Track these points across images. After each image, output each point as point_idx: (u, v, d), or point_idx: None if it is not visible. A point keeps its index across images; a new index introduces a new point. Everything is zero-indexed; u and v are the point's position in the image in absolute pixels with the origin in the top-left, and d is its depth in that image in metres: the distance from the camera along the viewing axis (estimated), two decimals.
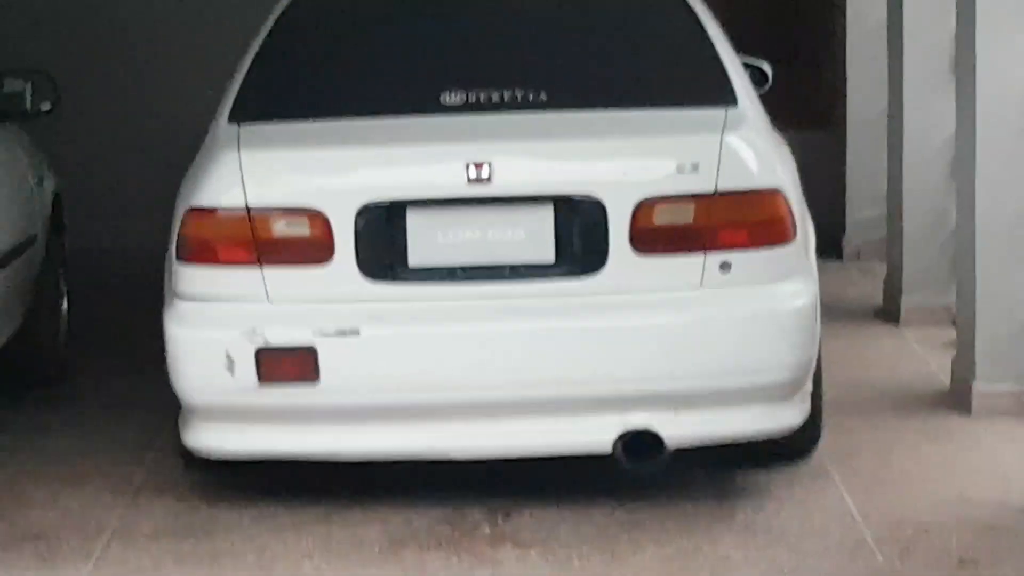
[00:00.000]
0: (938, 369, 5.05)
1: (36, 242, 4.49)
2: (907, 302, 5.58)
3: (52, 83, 4.45)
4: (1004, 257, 4.36)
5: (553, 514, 3.54)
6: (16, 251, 4.20)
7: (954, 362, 4.66)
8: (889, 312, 5.72)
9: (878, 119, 6.33)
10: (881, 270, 6.20)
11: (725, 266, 3.26)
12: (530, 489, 3.69)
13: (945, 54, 5.34)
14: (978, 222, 4.36)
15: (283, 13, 3.91)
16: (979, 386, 4.38)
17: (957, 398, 4.53)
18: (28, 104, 4.37)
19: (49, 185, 4.88)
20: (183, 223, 3.37)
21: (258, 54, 3.80)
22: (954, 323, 5.06)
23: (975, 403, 4.37)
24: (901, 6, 5.58)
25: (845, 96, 6.95)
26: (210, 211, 3.34)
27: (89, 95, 6.65)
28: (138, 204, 5.85)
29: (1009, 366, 4.39)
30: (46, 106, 4.47)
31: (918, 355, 5.33)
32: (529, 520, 3.49)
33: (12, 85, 4.33)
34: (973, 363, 4.41)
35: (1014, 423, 4.39)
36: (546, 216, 3.28)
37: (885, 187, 6.13)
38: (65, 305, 5.05)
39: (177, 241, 3.40)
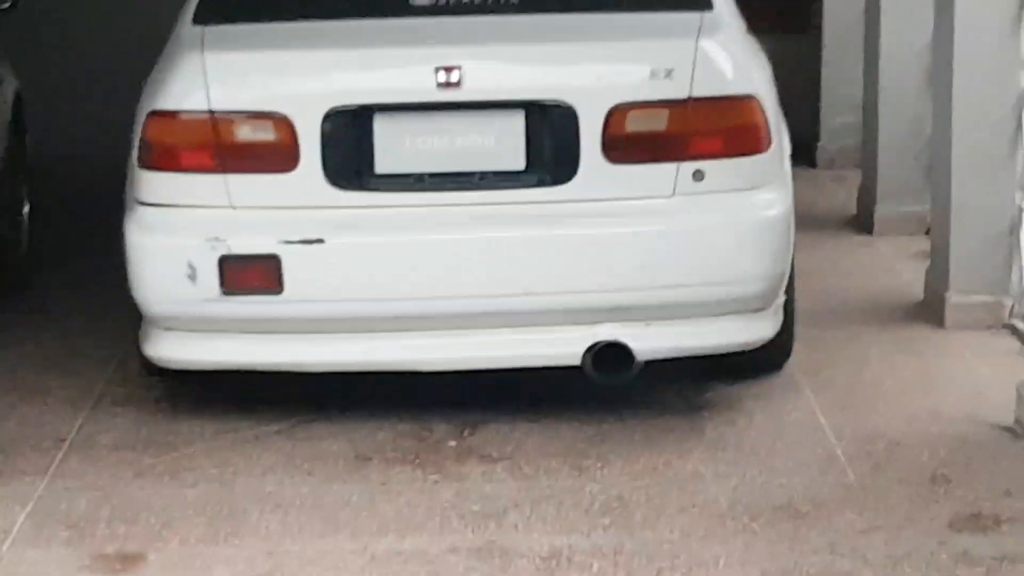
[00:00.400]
0: (912, 280, 5.09)
1: None
2: (881, 211, 5.63)
3: None
4: (980, 166, 4.37)
5: (520, 429, 3.58)
6: None
7: (928, 273, 4.69)
8: (862, 222, 5.76)
9: (855, 23, 6.34)
10: (856, 178, 6.25)
11: (698, 174, 3.28)
12: (496, 404, 3.74)
13: None
14: (954, 131, 4.38)
15: None
16: (952, 297, 4.42)
17: (930, 309, 4.57)
18: None
19: (9, 86, 4.85)
20: (144, 127, 3.38)
21: None
22: (928, 233, 5.12)
23: (948, 315, 4.42)
24: None
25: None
26: (172, 114, 3.35)
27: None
28: (102, 106, 5.74)
29: (983, 277, 4.43)
30: (5, 3, 4.48)
31: (891, 266, 5.39)
32: (495, 435, 3.54)
33: None
34: (947, 274, 4.45)
35: (987, 336, 4.43)
36: (517, 122, 3.28)
37: (861, 94, 6.17)
38: (27, 210, 5.06)
39: (138, 146, 3.39)
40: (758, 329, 3.54)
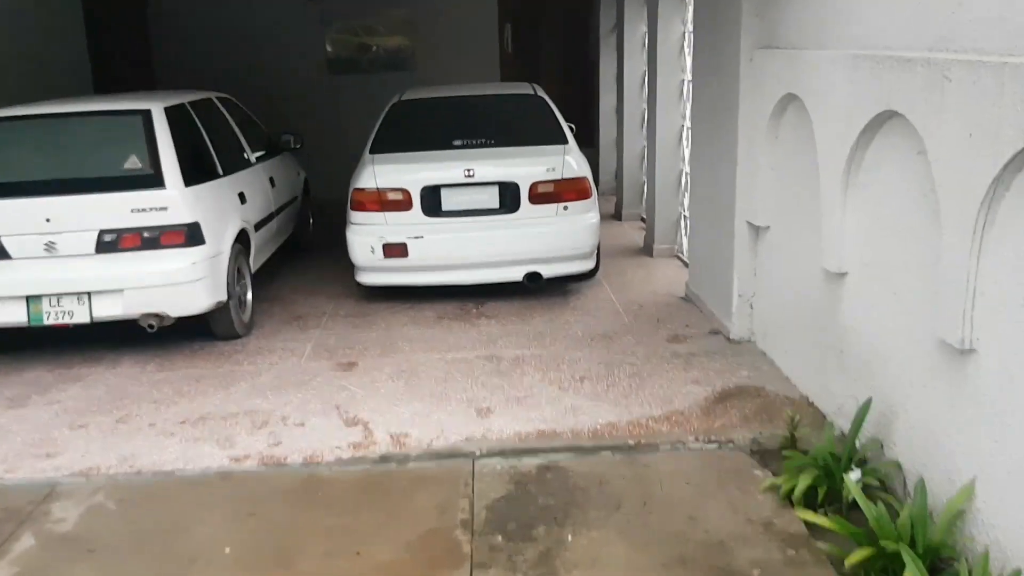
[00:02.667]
0: (639, 240, 9.65)
1: (296, 199, 9.23)
2: (626, 215, 10.70)
3: (300, 136, 8.57)
4: (664, 192, 9.03)
5: (500, 303, 7.49)
6: (289, 202, 8.78)
7: (645, 236, 9.39)
8: (614, 215, 10.78)
9: (611, 145, 11.90)
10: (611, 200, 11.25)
11: (566, 207, 7.33)
12: (490, 295, 7.58)
13: (638, 118, 10.59)
14: (656, 181, 9.05)
15: (388, 110, 7.79)
16: (655, 245, 9.07)
17: (646, 251, 9.21)
18: (291, 145, 8.57)
19: (302, 176, 9.66)
20: (352, 194, 7.22)
21: (379, 127, 7.63)
22: (643, 220, 10.01)
23: (655, 253, 9.07)
24: (622, 101, 10.74)
25: (599, 131, 12.28)
26: (362, 189, 7.23)
27: (314, 141, 10.94)
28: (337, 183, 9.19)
29: (667, 237, 9.09)
30: (298, 145, 8.64)
31: (630, 235, 10.03)
32: (491, 307, 7.45)
33: (286, 137, 8.54)
34: (653, 236, 9.09)
35: (670, 261, 8.88)
36: (495, 189, 7.26)
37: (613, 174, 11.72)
38: (311, 220, 9.92)
39: (349, 202, 7.25)
40: (588, 264, 7.55)
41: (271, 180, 8.16)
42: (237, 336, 6.79)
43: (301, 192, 9.48)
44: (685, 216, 8.85)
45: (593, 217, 7.44)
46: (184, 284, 6.15)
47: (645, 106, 10.43)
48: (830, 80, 4.78)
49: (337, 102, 12.82)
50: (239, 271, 6.87)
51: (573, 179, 7.33)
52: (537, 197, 7.26)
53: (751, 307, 6.40)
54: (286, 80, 12.76)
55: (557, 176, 7.25)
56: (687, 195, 8.72)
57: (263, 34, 12.67)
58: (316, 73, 13.09)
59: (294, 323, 7.28)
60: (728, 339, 6.42)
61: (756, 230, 6.22)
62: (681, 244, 8.95)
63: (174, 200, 6.13)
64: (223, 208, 6.72)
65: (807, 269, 5.30)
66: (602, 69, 12.31)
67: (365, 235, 7.24)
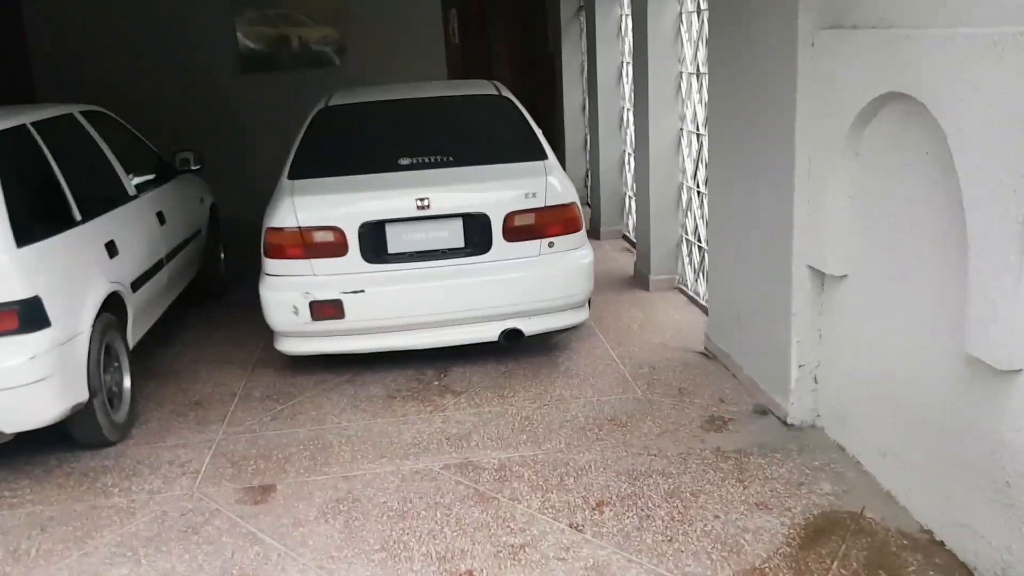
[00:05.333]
0: (626, 265, 7.91)
1: (200, 233, 7.33)
2: (605, 233, 9.11)
3: (200, 154, 6.83)
4: (660, 211, 7.22)
5: (469, 371, 5.69)
6: (189, 239, 6.95)
7: (636, 263, 7.63)
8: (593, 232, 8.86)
9: (579, 150, 10.50)
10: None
11: (551, 244, 5.53)
12: (455, 356, 5.82)
13: (615, 118, 9.01)
14: (651, 195, 7.21)
15: (312, 120, 5.95)
16: (652, 277, 7.31)
17: (641, 282, 7.42)
18: (190, 165, 7.06)
19: (207, 202, 7.70)
20: (265, 235, 5.36)
21: (299, 143, 5.79)
22: (625, 239, 8.57)
23: (651, 285, 7.30)
24: (595, 99, 9.08)
25: (564, 134, 10.77)
26: (279, 229, 5.36)
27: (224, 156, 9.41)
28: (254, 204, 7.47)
29: (666, 266, 7.30)
30: (198, 166, 7.11)
31: (617, 259, 8.21)
32: (457, 375, 5.64)
33: (183, 156, 7.04)
34: (648, 264, 7.29)
35: (670, 296, 7.14)
36: (458, 224, 5.43)
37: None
38: (223, 256, 8.00)
39: (263, 246, 5.38)
40: (581, 315, 5.78)
41: (159, 216, 6.24)
42: (108, 443, 4.93)
43: (206, 223, 7.61)
44: (687, 240, 7.14)
45: (586, 255, 5.72)
46: (21, 388, 4.28)
47: (625, 104, 8.69)
48: (981, 73, 3.04)
49: (252, 107, 10.84)
50: (108, 352, 4.97)
51: (560, 207, 5.58)
52: (514, 232, 5.52)
53: (815, 381, 4.70)
54: (191, 82, 10.79)
55: (539, 203, 5.51)
56: (690, 215, 7.07)
57: (162, 26, 10.61)
58: (227, 72, 11.09)
59: (191, 413, 5.42)
60: (785, 423, 4.75)
61: (823, 279, 4.50)
62: (684, 275, 7.25)
63: (1, 269, 4.20)
64: (80, 269, 4.84)
65: (928, 346, 3.64)
66: (565, 61, 10.61)
67: (284, 291, 5.42)
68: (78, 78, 9.91)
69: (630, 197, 8.92)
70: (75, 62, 10.36)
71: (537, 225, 5.52)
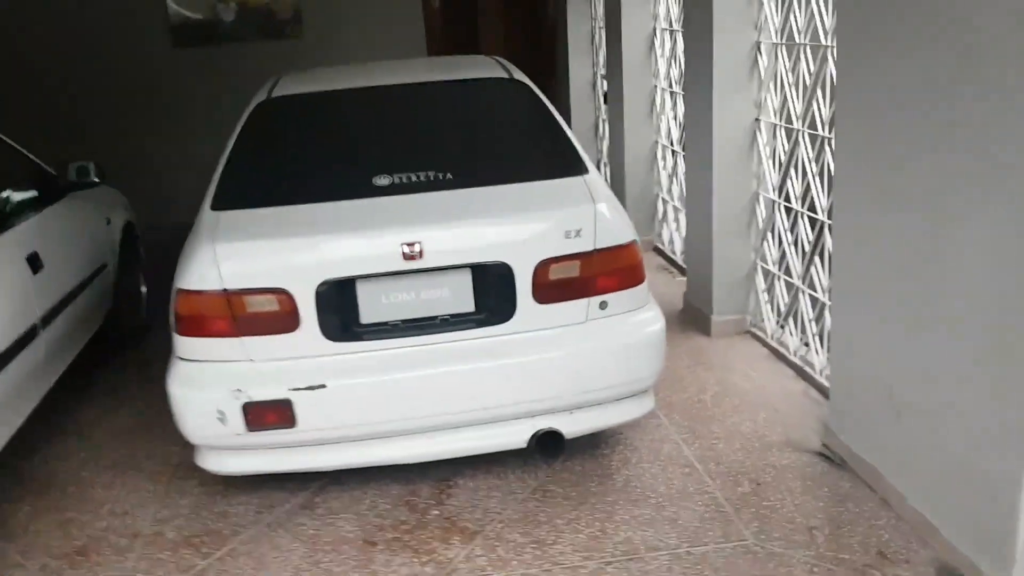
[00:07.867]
0: (671, 295, 6.10)
1: (106, 268, 5.53)
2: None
3: (99, 165, 5.55)
4: (725, 230, 5.34)
5: (481, 487, 3.88)
6: (87, 280, 5.12)
7: (687, 296, 5.84)
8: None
9: (589, 139, 8.96)
10: None
11: (603, 304, 3.69)
12: (461, 465, 4.03)
13: (645, 99, 7.17)
14: (714, 209, 5.31)
15: (247, 119, 4.08)
16: (715, 318, 5.47)
17: (697, 323, 5.63)
18: (89, 176, 5.50)
19: (117, 223, 5.90)
20: (176, 301, 3.52)
21: (229, 154, 3.95)
22: (658, 253, 6.93)
23: (713, 329, 5.50)
24: (619, 76, 7.19)
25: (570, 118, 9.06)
26: (197, 292, 3.49)
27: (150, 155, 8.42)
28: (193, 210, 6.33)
29: (734, 303, 5.45)
30: (97, 179, 5.57)
31: (655, 282, 5.49)
32: (465, 496, 3.83)
33: (79, 167, 5.48)
34: (711, 302, 5.45)
35: (742, 344, 5.34)
36: (465, 279, 3.59)
37: None
38: (144, 291, 6.43)
39: (172, 316, 3.54)
40: (646, 404, 3.97)
41: (31, 260, 4.33)
42: None
43: (116, 251, 5.73)
44: (763, 269, 5.31)
45: (655, 319, 3.86)
46: None
47: (657, 83, 6.85)
48: None
49: (189, 90, 8.86)
50: None
51: (615, 249, 3.71)
52: (549, 289, 3.66)
53: None
54: (109, 59, 8.78)
55: (585, 246, 3.65)
56: (770, 238, 5.24)
57: None
58: (156, 46, 9.02)
59: (69, 571, 3.52)
60: None
61: None
62: (760, 315, 5.40)
63: None
64: None
65: None
66: (570, 28, 8.76)
67: (204, 387, 3.56)
68: None
69: (664, 200, 7.11)
70: None
71: (583, 278, 3.67)
